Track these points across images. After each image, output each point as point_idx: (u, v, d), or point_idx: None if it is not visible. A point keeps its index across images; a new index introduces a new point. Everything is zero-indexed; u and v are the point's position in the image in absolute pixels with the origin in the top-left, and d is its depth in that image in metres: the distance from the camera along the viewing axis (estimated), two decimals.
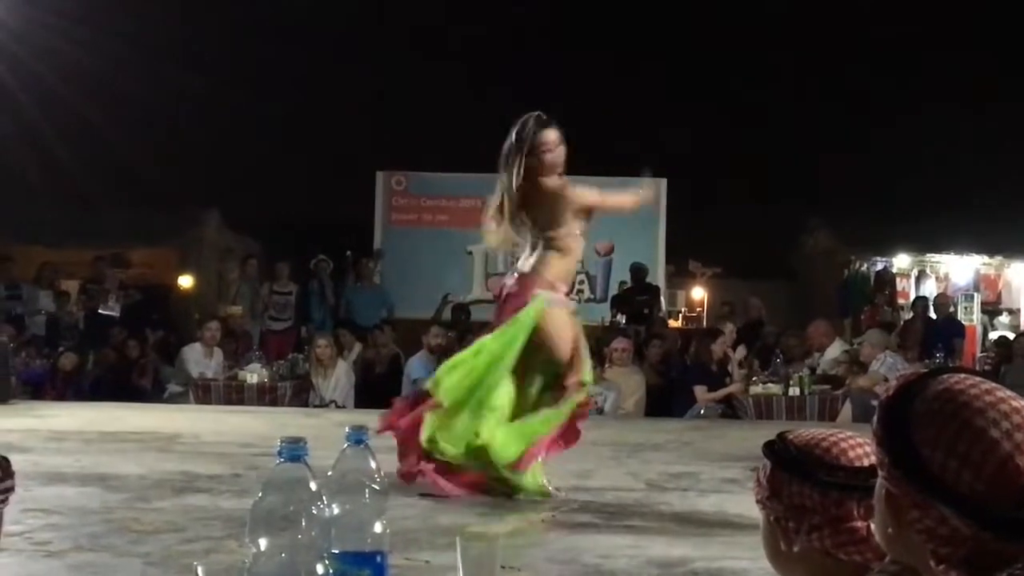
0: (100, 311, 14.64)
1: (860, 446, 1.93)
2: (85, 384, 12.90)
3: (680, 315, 18.95)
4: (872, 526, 1.88)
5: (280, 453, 1.81)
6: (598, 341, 13.23)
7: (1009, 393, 1.52)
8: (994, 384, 1.53)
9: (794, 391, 11.00)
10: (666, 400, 11.89)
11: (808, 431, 2.00)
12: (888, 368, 11.13)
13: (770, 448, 1.99)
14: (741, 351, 12.76)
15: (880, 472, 1.56)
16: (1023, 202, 17.40)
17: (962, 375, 1.55)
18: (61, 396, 12.29)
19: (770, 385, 11.20)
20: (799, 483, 1.92)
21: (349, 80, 20.99)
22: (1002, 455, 1.44)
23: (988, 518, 1.42)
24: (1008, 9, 20.19)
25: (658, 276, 16.47)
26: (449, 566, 2.45)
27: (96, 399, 11.80)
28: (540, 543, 4.99)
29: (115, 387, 12.53)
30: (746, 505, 5.97)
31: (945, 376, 1.55)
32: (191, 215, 18.28)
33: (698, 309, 19.66)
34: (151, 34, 18.53)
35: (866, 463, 1.90)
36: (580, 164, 19.68)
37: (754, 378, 11.46)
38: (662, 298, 16.19)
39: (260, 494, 1.78)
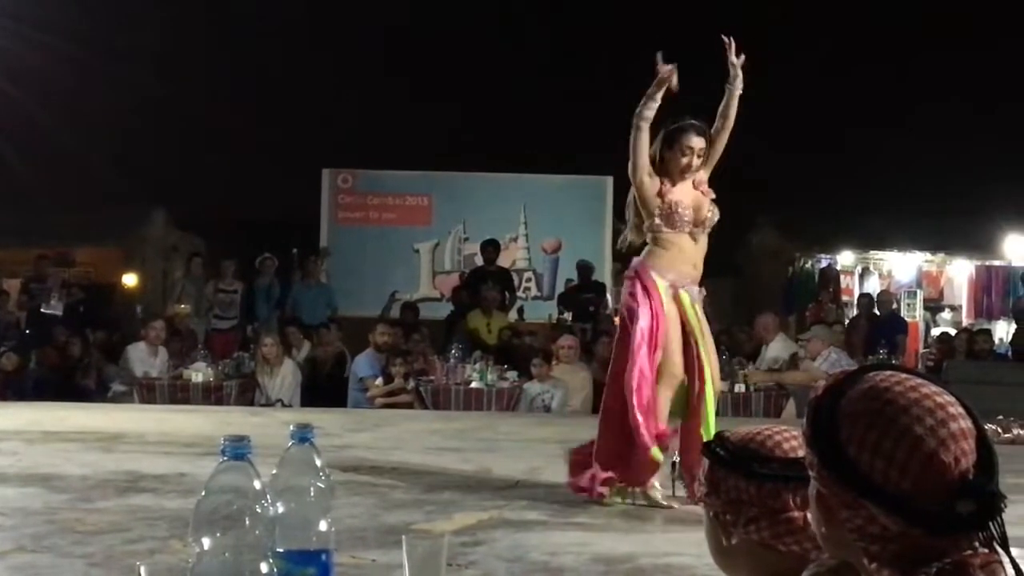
0: (43, 310, 14.49)
1: (794, 438, 1.96)
2: (27, 384, 12.75)
3: None
4: (808, 516, 1.91)
5: (223, 451, 1.80)
6: (545, 339, 13.28)
7: (935, 388, 1.53)
8: (921, 380, 1.54)
9: (739, 388, 11.05)
10: None
11: (744, 428, 2.03)
12: (831, 364, 11.21)
13: (707, 448, 2.02)
14: None
15: (810, 472, 1.57)
16: (965, 200, 17.60)
17: (888, 373, 1.56)
18: (2, 396, 12.12)
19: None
20: (735, 477, 1.95)
21: (295, 77, 20.91)
22: (927, 452, 1.46)
23: (915, 515, 1.44)
24: (952, 10, 20.43)
25: (605, 274, 16.52)
26: (395, 564, 2.45)
27: (39, 399, 11.68)
28: (487, 541, 4.99)
29: (58, 387, 12.38)
30: (690, 503, 6.01)
31: (872, 374, 1.56)
32: (136, 213, 18.13)
33: None
34: (96, 32, 18.35)
35: (800, 454, 1.92)
36: (529, 163, 19.68)
37: None
38: (608, 296, 16.22)
39: (203, 493, 1.77)
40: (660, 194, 6.38)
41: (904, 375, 1.55)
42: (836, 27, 21.08)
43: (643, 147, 6.35)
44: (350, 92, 21.21)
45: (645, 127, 6.33)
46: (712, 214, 6.50)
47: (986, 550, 1.45)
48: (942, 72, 20.50)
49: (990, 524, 1.45)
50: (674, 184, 6.43)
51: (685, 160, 6.41)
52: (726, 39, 6.66)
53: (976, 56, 20.54)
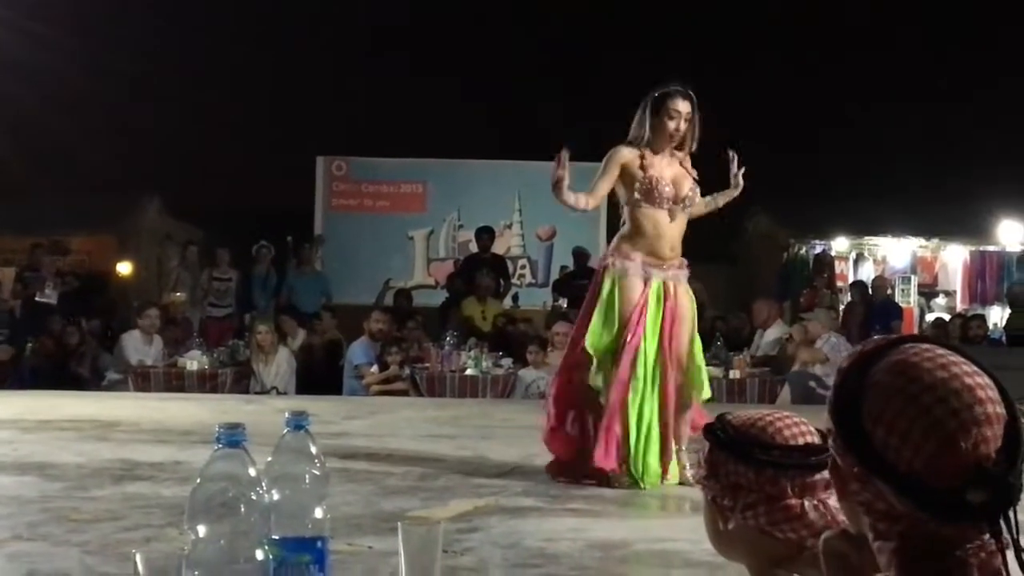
0: (37, 299, 14.47)
1: (796, 425, 1.95)
2: (23, 372, 12.75)
3: None
4: (806, 504, 1.90)
5: (218, 439, 1.80)
6: (539, 326, 13.28)
7: (969, 368, 1.45)
8: (956, 357, 1.47)
9: (735, 374, 11.07)
10: None
11: (747, 412, 2.01)
12: (831, 348, 11.24)
13: (709, 429, 2.01)
14: None
15: (829, 440, 1.53)
16: (959, 186, 17.61)
17: (924, 346, 1.49)
18: None
19: (711, 368, 11.24)
20: (735, 462, 1.94)
21: (290, 65, 20.87)
22: (944, 435, 1.39)
23: (923, 498, 1.38)
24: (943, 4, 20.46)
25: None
26: (392, 551, 2.45)
27: (34, 387, 11.68)
28: (483, 527, 4.99)
29: (53, 375, 12.38)
30: (688, 487, 6.02)
31: (906, 346, 1.49)
32: (130, 201, 18.11)
33: None
34: (89, 19, 18.30)
35: (801, 442, 1.92)
36: (524, 149, 19.62)
37: None
38: None
39: (198, 481, 1.77)
40: (642, 167, 6.37)
41: (941, 350, 1.48)
42: (831, 12, 21.05)
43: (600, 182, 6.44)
44: (344, 79, 21.19)
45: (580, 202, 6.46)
46: (693, 193, 6.45)
47: (993, 544, 1.39)
48: (938, 56, 20.50)
49: (1000, 517, 1.38)
50: (656, 154, 6.40)
51: (672, 124, 6.35)
52: (731, 153, 6.64)
53: (970, 41, 20.53)
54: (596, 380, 6.25)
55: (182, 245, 16.65)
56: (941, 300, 18.89)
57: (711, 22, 21.29)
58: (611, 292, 6.35)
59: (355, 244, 17.65)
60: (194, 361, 11.65)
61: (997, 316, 17.71)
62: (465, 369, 11.25)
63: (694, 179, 6.47)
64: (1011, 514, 1.38)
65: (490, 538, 4.78)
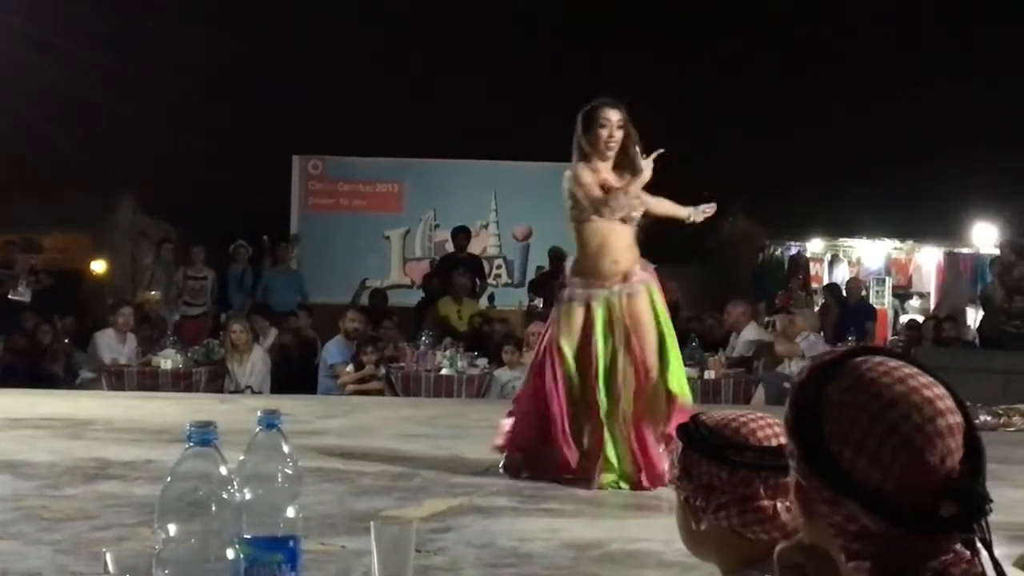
0: (10, 296, 14.38)
1: (769, 426, 1.95)
2: None
3: None
4: (778, 505, 1.90)
5: (190, 438, 1.79)
6: (515, 326, 13.28)
7: (925, 380, 1.45)
8: (911, 369, 1.46)
9: (709, 374, 11.09)
10: None
11: (721, 413, 2.01)
12: (809, 345, 11.29)
13: (683, 429, 2.01)
14: None
15: (790, 462, 1.50)
16: (933, 188, 17.70)
17: (877, 359, 1.48)
18: None
19: (686, 369, 11.25)
20: (708, 463, 1.94)
21: (265, 63, 20.80)
22: (912, 450, 1.39)
23: (896, 515, 1.38)
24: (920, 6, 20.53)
25: None
26: (364, 551, 2.45)
27: (6, 386, 11.60)
28: (456, 527, 4.99)
29: (26, 373, 12.30)
30: (662, 488, 6.03)
31: (860, 360, 1.48)
32: (105, 199, 18.03)
33: None
34: (64, 16, 18.22)
35: (774, 443, 1.92)
36: (500, 150, 19.61)
37: None
38: None
39: (169, 479, 1.76)
40: (601, 183, 6.44)
41: (894, 363, 1.47)
42: (807, 16, 21.11)
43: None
44: (320, 78, 21.13)
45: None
46: (638, 202, 6.49)
47: (968, 553, 1.39)
48: (912, 59, 20.59)
49: (974, 526, 1.38)
50: (603, 164, 6.47)
51: (605, 132, 6.41)
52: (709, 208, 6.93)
53: (948, 43, 20.62)
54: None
55: (157, 243, 16.58)
56: (915, 302, 19.01)
57: (692, 23, 21.32)
58: (558, 321, 6.47)
59: (331, 243, 17.62)
60: (168, 360, 11.59)
61: (971, 318, 17.79)
62: (440, 369, 11.23)
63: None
64: (984, 522, 1.39)
65: (464, 538, 4.78)
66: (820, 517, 1.46)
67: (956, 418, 1.43)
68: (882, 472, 1.39)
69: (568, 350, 6.35)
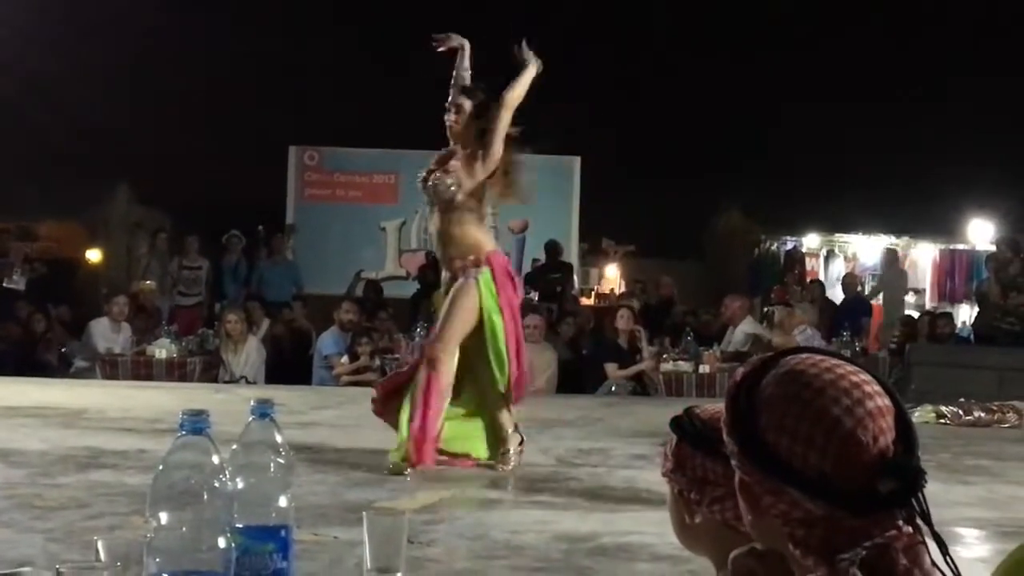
0: (5, 284, 14.37)
1: None
2: None
3: (593, 293, 19.05)
4: None
5: (182, 426, 1.78)
6: None
7: (850, 368, 1.52)
8: (836, 360, 1.53)
9: (704, 368, 11.10)
10: (578, 377, 11.93)
11: (715, 406, 2.00)
12: (806, 339, 11.27)
13: (676, 422, 2.00)
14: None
15: (732, 461, 1.55)
16: (929, 183, 17.71)
17: (804, 355, 1.55)
18: None
19: (681, 363, 11.29)
20: (702, 456, 1.93)
21: (262, 53, 20.77)
22: (844, 432, 1.45)
23: (837, 496, 1.43)
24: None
25: (572, 254, 16.51)
26: (357, 541, 2.44)
27: (0, 374, 11.60)
28: (449, 519, 4.99)
29: (20, 362, 12.30)
30: (655, 481, 6.02)
31: (788, 358, 1.55)
32: (100, 188, 18.01)
33: (611, 288, 19.78)
34: (60, 6, 18.17)
35: None
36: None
37: (664, 356, 11.54)
38: (575, 276, 16.22)
39: (160, 467, 1.75)
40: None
41: (820, 357, 1.54)
42: (805, 11, 21.11)
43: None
44: (317, 69, 21.11)
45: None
46: (437, 181, 6.38)
47: (910, 528, 1.45)
48: (910, 55, 20.60)
49: (913, 501, 1.44)
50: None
51: (446, 117, 6.52)
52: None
53: (946, 40, 20.63)
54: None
55: (152, 233, 16.56)
56: (910, 297, 18.99)
57: (687, 16, 21.31)
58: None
59: (327, 234, 17.59)
60: (163, 349, 11.58)
61: (966, 314, 17.81)
62: None
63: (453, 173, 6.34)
64: (921, 496, 1.44)
65: (456, 529, 4.78)
66: (765, 509, 1.51)
67: (884, 400, 1.50)
68: (818, 456, 1.45)
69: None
